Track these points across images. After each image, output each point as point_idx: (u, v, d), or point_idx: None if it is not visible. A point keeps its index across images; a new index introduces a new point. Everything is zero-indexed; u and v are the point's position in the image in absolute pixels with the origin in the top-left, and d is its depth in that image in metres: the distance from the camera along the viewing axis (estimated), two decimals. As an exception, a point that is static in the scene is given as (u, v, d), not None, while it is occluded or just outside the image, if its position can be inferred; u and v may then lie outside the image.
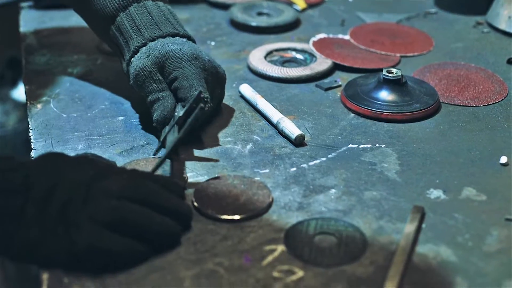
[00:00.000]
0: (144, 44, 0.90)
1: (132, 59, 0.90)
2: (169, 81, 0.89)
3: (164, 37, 0.91)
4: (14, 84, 1.80)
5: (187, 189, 0.79)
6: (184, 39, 0.92)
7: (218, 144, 0.88)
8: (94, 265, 0.69)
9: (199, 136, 0.89)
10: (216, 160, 0.85)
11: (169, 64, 0.88)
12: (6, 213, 0.68)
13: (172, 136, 0.83)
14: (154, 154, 0.84)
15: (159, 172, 0.80)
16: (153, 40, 0.90)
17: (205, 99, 0.85)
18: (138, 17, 0.91)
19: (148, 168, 0.81)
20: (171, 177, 0.81)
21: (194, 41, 0.94)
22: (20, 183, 0.69)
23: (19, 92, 1.78)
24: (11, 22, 1.52)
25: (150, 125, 0.92)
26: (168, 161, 0.82)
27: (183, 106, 0.86)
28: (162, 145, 0.83)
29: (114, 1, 0.91)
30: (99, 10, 0.92)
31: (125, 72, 0.92)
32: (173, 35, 0.91)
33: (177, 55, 0.88)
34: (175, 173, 0.82)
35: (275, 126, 0.91)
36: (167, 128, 0.85)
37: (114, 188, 0.71)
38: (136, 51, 0.90)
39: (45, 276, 0.69)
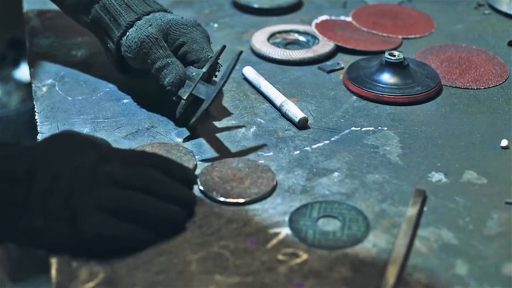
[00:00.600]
0: (138, 19, 0.91)
1: (128, 33, 0.90)
2: (174, 48, 0.90)
3: (156, 11, 0.92)
4: (16, 65, 1.80)
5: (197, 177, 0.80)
6: None
7: (222, 127, 0.89)
8: (100, 251, 0.70)
9: (208, 110, 0.90)
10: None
11: (173, 30, 0.90)
12: (10, 202, 0.69)
13: (204, 88, 0.86)
14: (179, 114, 0.87)
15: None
16: (147, 14, 0.91)
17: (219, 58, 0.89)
18: None
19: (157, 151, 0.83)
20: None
21: None
22: (23, 171, 0.69)
23: (21, 73, 1.79)
24: (12, 3, 1.52)
25: (154, 108, 0.93)
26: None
27: (199, 67, 0.89)
28: (187, 101, 0.86)
29: None
30: None
31: (111, 51, 0.93)
32: (163, 11, 0.93)
33: (181, 22, 0.91)
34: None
35: (278, 108, 0.92)
36: (186, 89, 0.87)
37: (119, 176, 0.72)
38: (130, 26, 0.90)
39: (53, 260, 0.70)
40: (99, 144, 0.76)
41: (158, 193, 0.73)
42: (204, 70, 0.87)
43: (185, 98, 0.86)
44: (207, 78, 0.89)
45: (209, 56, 0.89)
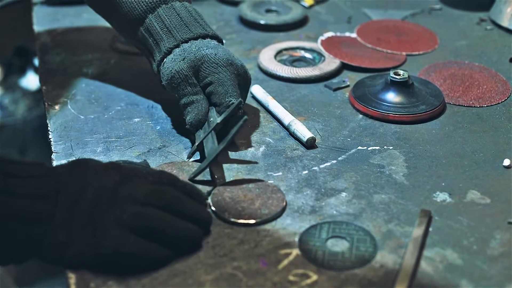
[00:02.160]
0: (177, 46, 0.92)
1: (165, 59, 0.92)
2: (203, 85, 0.91)
3: (196, 38, 0.93)
4: (22, 73, 1.82)
5: (208, 198, 0.82)
6: (215, 41, 0.94)
7: (232, 146, 0.91)
8: (119, 267, 0.73)
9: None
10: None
11: (204, 68, 0.91)
12: (37, 218, 0.72)
13: (211, 143, 0.86)
14: (188, 158, 0.88)
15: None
16: (186, 42, 0.93)
17: (240, 106, 0.89)
18: (168, 18, 0.93)
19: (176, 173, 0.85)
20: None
21: (222, 41, 0.96)
22: (49, 190, 0.72)
23: (28, 81, 1.81)
24: (19, 12, 1.54)
25: (165, 127, 0.95)
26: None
27: (218, 112, 0.89)
28: (197, 149, 0.87)
29: (142, 3, 0.93)
30: (127, 13, 0.94)
31: (155, 72, 0.95)
32: (204, 36, 0.94)
33: (213, 60, 0.91)
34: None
35: (286, 128, 0.95)
36: (202, 132, 0.89)
37: (139, 194, 0.75)
38: (168, 52, 0.92)
39: (72, 281, 0.72)
40: (119, 164, 0.79)
41: (176, 211, 0.75)
42: (218, 121, 0.87)
43: (196, 144, 0.88)
44: (222, 128, 0.88)
45: (231, 102, 0.89)
